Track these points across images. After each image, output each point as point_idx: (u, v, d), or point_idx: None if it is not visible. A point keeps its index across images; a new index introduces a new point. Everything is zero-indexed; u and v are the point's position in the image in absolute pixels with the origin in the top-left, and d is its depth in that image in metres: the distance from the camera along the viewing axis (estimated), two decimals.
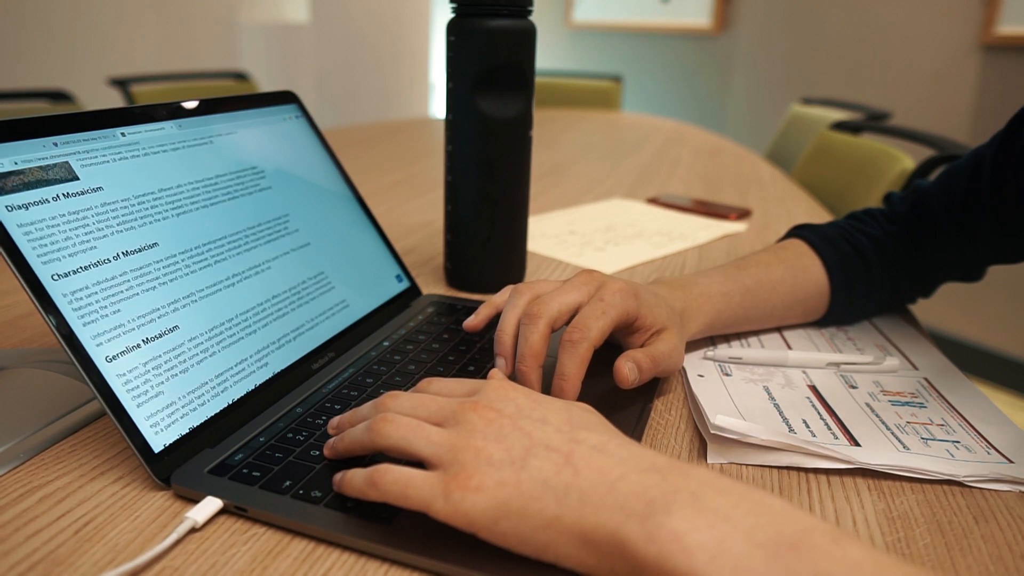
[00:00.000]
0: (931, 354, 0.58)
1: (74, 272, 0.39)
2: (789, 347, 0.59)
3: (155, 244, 0.44)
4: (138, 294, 0.42)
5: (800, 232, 0.65)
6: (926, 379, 0.54)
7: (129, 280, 0.42)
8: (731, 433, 0.43)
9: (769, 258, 0.61)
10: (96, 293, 0.40)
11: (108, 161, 0.44)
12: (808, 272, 0.61)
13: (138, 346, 0.40)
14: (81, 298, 0.39)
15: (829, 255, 0.61)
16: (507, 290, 0.52)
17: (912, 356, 0.58)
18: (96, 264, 0.40)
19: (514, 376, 0.45)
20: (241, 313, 0.47)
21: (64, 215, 0.40)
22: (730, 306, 0.56)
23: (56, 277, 0.38)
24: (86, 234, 0.41)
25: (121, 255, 0.42)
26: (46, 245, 0.39)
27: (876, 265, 0.62)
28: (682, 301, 0.53)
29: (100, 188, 0.43)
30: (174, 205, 0.46)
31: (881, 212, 0.66)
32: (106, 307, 0.40)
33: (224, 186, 0.50)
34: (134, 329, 0.40)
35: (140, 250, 0.43)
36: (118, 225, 0.43)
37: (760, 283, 0.58)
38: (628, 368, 0.45)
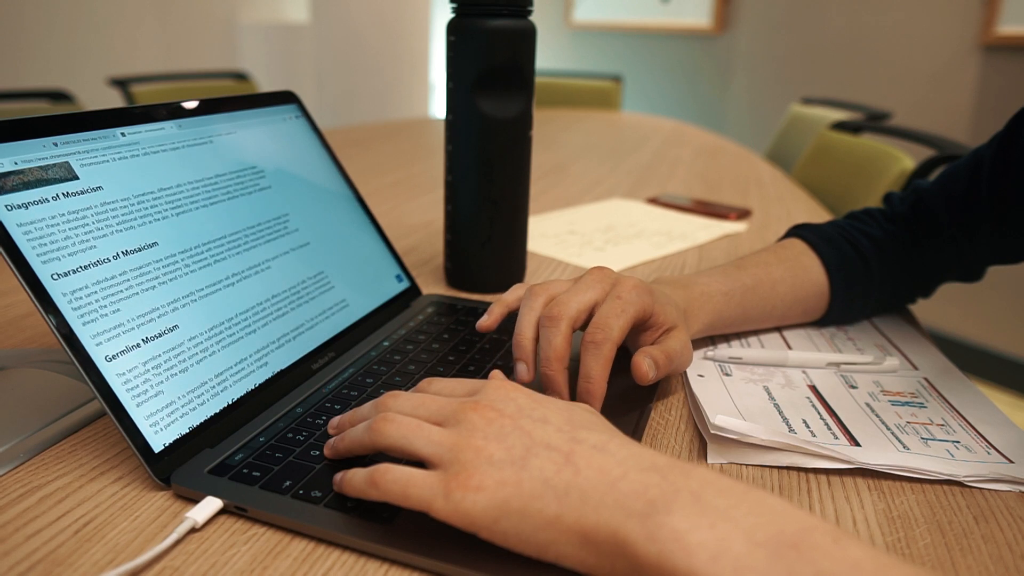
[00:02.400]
0: (931, 354, 0.58)
1: (74, 271, 0.39)
2: (789, 347, 0.59)
3: (155, 243, 0.44)
4: (137, 293, 0.42)
5: (800, 232, 0.65)
6: (926, 379, 0.54)
7: (129, 279, 0.42)
8: (731, 433, 0.43)
9: (769, 258, 0.61)
10: (95, 292, 0.40)
11: (108, 161, 0.44)
12: (808, 272, 0.61)
13: (138, 345, 0.40)
14: (81, 297, 0.39)
15: (829, 255, 0.61)
16: (518, 288, 0.51)
17: (912, 356, 0.58)
18: (96, 263, 0.40)
19: (536, 382, 0.45)
20: (241, 312, 0.47)
21: (64, 214, 0.40)
22: (730, 306, 0.56)
23: (56, 276, 0.38)
24: (86, 233, 0.41)
25: (121, 254, 0.42)
26: (46, 244, 0.39)
27: (876, 265, 0.62)
28: (683, 300, 0.53)
29: (100, 187, 0.43)
30: (174, 204, 0.46)
31: (881, 212, 0.66)
32: (106, 306, 0.40)
33: (224, 186, 0.50)
34: (134, 328, 0.40)
35: (140, 249, 0.43)
36: (118, 224, 0.43)
37: (760, 283, 0.58)
38: (647, 364, 0.45)
